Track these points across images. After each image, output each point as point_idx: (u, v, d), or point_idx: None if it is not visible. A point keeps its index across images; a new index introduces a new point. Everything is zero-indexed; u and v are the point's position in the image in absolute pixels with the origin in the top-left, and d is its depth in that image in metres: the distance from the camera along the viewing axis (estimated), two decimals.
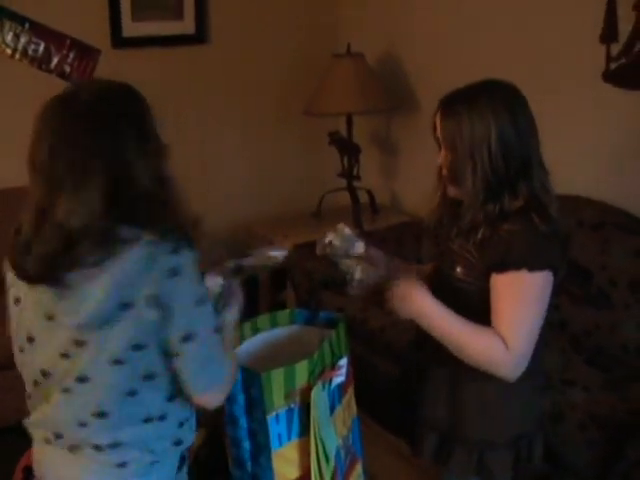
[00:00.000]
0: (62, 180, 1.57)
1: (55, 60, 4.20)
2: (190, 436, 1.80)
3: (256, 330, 2.09)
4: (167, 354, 1.64)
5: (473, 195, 1.90)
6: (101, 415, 1.67)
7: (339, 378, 1.99)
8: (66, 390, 1.68)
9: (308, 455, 1.91)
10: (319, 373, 1.93)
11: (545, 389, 2.56)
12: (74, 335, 1.62)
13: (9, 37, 4.09)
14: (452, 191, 1.99)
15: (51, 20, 4.11)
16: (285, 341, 2.12)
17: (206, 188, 4.75)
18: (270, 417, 1.85)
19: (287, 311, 2.17)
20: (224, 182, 4.80)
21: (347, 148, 4.47)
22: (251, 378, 1.83)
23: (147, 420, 1.70)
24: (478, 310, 1.93)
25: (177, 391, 1.70)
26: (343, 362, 2.01)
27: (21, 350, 1.75)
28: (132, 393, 1.66)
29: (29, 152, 1.61)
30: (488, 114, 1.87)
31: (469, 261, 1.95)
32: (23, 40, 4.13)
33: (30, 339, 1.70)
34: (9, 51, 4.09)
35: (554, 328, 3.13)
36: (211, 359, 1.68)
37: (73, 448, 1.71)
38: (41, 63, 4.17)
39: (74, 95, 1.65)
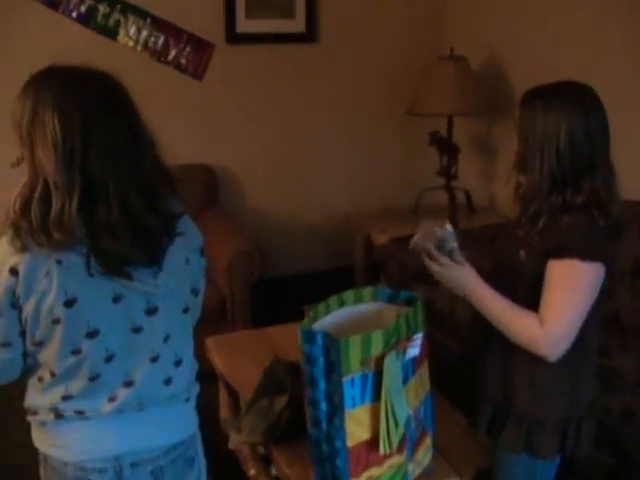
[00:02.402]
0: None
1: (173, 53, 4.46)
2: None
3: (342, 303, 2.22)
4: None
5: (538, 185, 2.03)
6: (179, 363, 1.85)
7: (413, 350, 2.10)
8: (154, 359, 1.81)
9: (378, 419, 2.04)
10: (394, 343, 2.05)
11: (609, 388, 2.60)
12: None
13: (132, 30, 4.37)
14: (522, 179, 2.11)
15: (171, 15, 4.37)
16: (367, 315, 2.23)
17: (309, 181, 4.95)
18: (346, 380, 1.98)
19: (371, 288, 2.28)
20: (326, 176, 4.98)
21: (447, 148, 4.59)
22: (331, 343, 1.97)
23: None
24: (534, 292, 2.04)
25: None
26: (418, 336, 2.12)
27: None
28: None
29: None
30: (561, 112, 1.98)
31: (531, 246, 2.07)
32: (144, 33, 4.40)
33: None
34: (132, 43, 4.37)
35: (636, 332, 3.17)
36: None
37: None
38: (160, 55, 4.44)
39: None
